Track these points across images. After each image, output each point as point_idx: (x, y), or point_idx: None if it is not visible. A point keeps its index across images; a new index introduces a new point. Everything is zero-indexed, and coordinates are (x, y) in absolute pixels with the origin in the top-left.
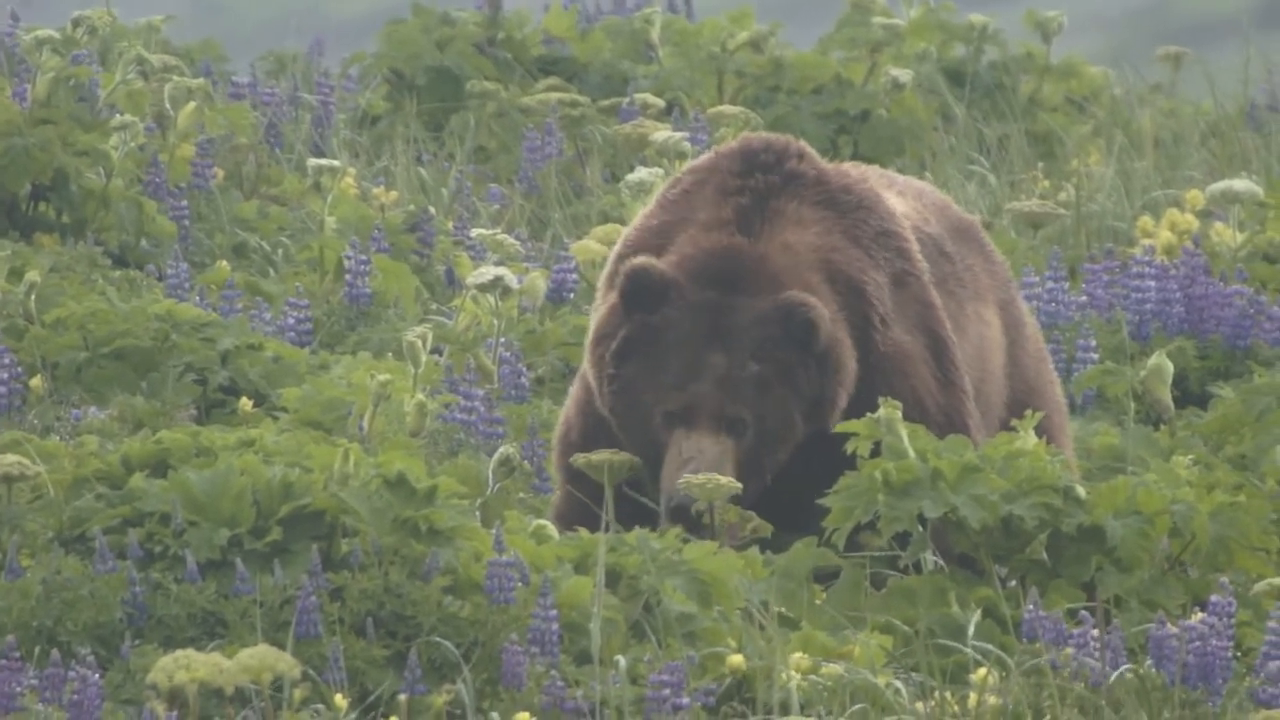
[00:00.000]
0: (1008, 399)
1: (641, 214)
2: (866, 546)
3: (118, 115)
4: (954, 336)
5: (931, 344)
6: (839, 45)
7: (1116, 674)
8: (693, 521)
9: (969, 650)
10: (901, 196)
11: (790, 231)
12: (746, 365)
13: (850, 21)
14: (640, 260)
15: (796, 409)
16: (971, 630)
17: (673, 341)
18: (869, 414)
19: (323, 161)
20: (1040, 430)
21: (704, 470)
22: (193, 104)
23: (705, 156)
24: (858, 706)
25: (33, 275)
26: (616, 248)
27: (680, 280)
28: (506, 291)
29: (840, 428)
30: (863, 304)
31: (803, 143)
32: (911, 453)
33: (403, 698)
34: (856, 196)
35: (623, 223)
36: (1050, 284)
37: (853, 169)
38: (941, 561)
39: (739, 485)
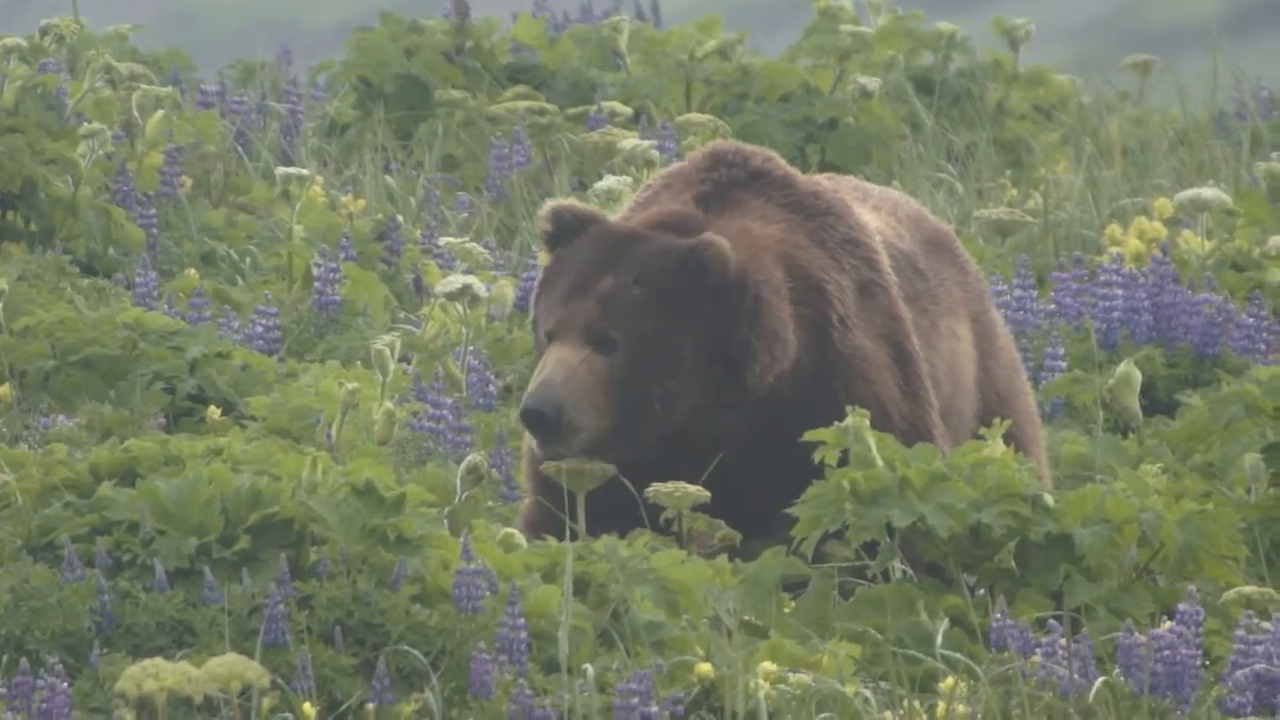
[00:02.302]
0: (979, 410)
1: (618, 213)
2: (832, 557)
3: (85, 123)
4: (921, 351)
5: (897, 355)
6: (807, 53)
7: (1096, 685)
8: (542, 433)
9: (937, 659)
10: (876, 211)
11: (751, 221)
12: (629, 288)
13: (818, 29)
14: (560, 201)
15: (686, 343)
16: (940, 639)
17: (571, 268)
18: (833, 419)
19: (291, 170)
20: (1011, 439)
21: (559, 376)
22: (161, 112)
23: (676, 164)
24: (826, 715)
25: (0, 284)
26: None
27: (602, 218)
28: (474, 300)
29: (807, 436)
30: (821, 301)
31: (770, 151)
32: (879, 461)
33: (371, 706)
34: (825, 203)
35: None
36: (1018, 292)
37: (826, 180)
38: (910, 570)
39: (707, 494)
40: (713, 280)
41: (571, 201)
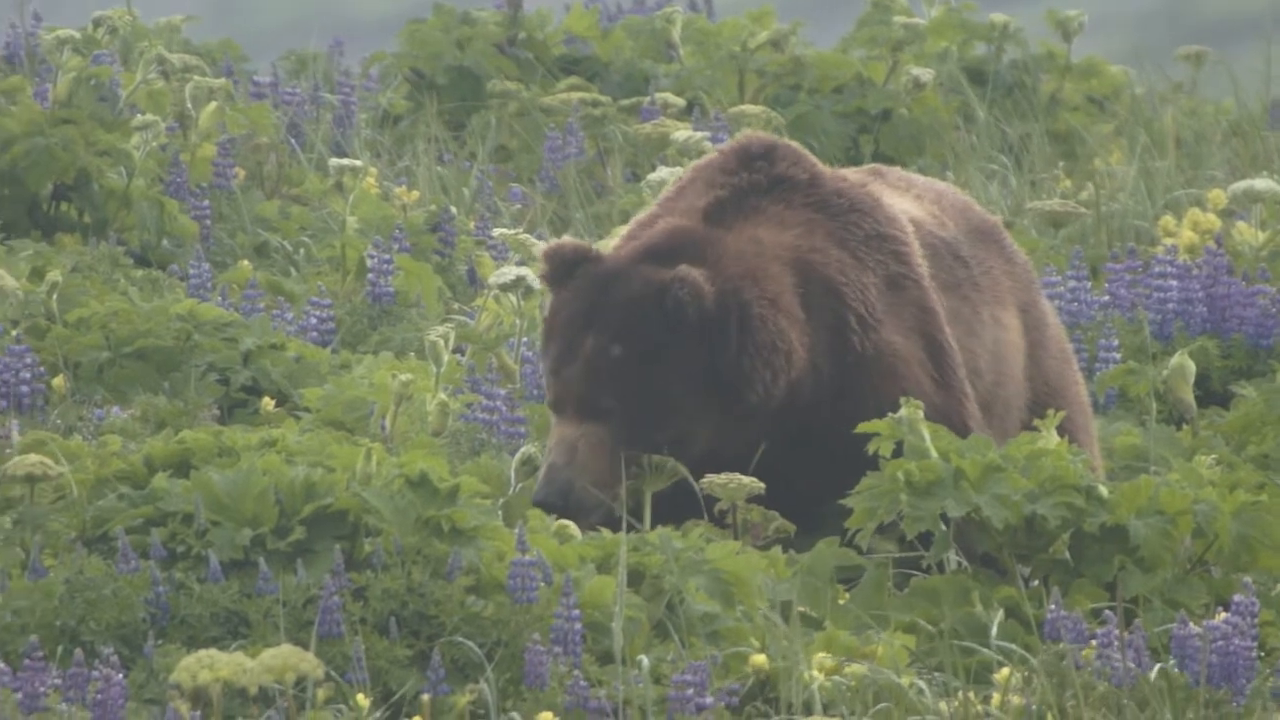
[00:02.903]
0: (1029, 400)
1: (645, 209)
2: (877, 549)
3: (139, 115)
4: (957, 341)
5: (929, 347)
6: (860, 44)
7: (1152, 673)
8: (560, 517)
9: (992, 650)
10: (919, 200)
11: (765, 228)
12: (609, 349)
13: (871, 20)
14: (555, 241)
15: (679, 386)
16: (995, 630)
17: (562, 322)
18: (856, 420)
19: (344, 161)
20: (1063, 430)
21: (560, 459)
22: (214, 104)
23: (709, 154)
24: (881, 706)
25: (55, 275)
26: (615, 243)
27: (593, 255)
28: (528, 291)
29: (862, 427)
30: (837, 304)
31: (801, 148)
32: (934, 453)
33: (425, 697)
34: (849, 200)
35: None
36: (1072, 283)
37: (857, 174)
38: (964, 561)
39: (761, 485)
40: (691, 316)
41: (564, 241)
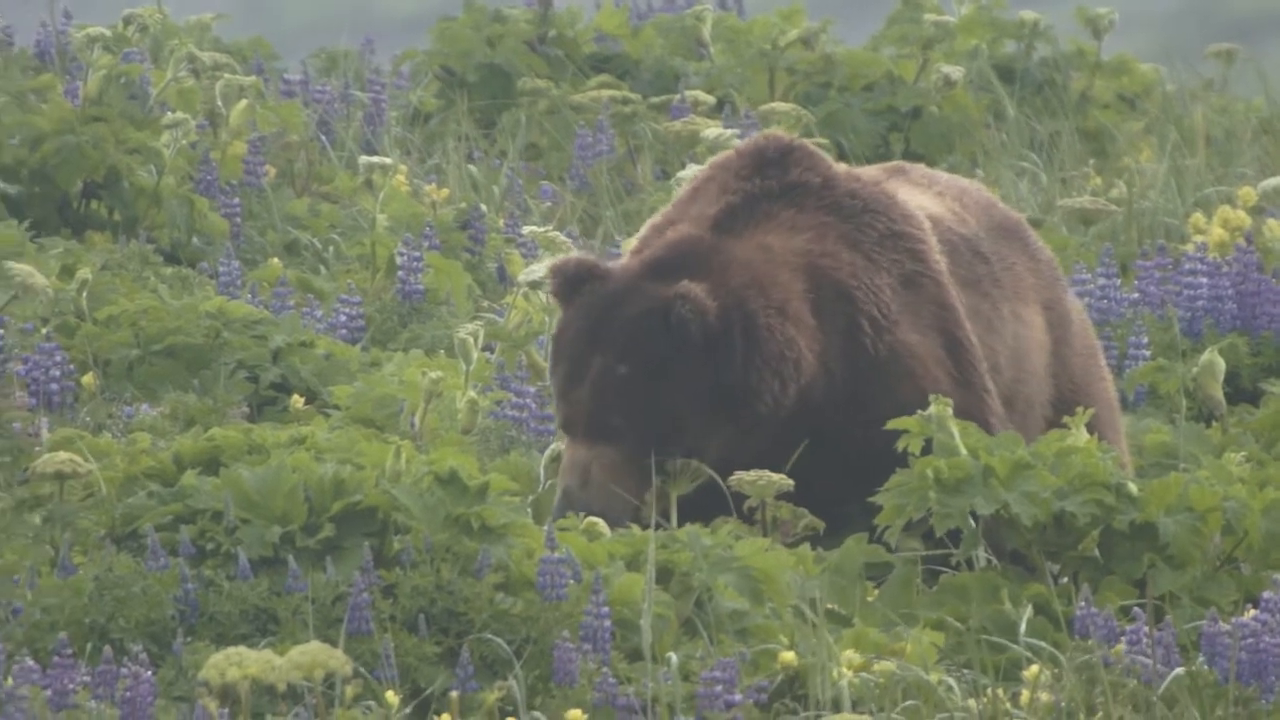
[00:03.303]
0: (1053, 397)
1: (660, 210)
2: (903, 547)
3: (169, 113)
4: (977, 337)
5: (948, 344)
6: (890, 42)
7: (1179, 674)
8: None
9: (1021, 647)
10: (940, 197)
11: (776, 235)
12: (615, 369)
13: (901, 18)
14: (561, 256)
15: (688, 401)
16: (1023, 627)
17: (569, 340)
18: (871, 422)
19: (374, 159)
20: (1090, 427)
21: (574, 483)
22: (244, 101)
23: (724, 153)
24: (909, 703)
25: (84, 273)
26: (633, 243)
27: (600, 270)
28: None
29: (892, 424)
30: (849, 307)
31: (817, 149)
32: (963, 450)
33: (454, 695)
34: (863, 201)
35: None
36: (1102, 281)
37: (871, 171)
38: (993, 558)
39: (790, 482)
40: (695, 333)
41: (570, 256)
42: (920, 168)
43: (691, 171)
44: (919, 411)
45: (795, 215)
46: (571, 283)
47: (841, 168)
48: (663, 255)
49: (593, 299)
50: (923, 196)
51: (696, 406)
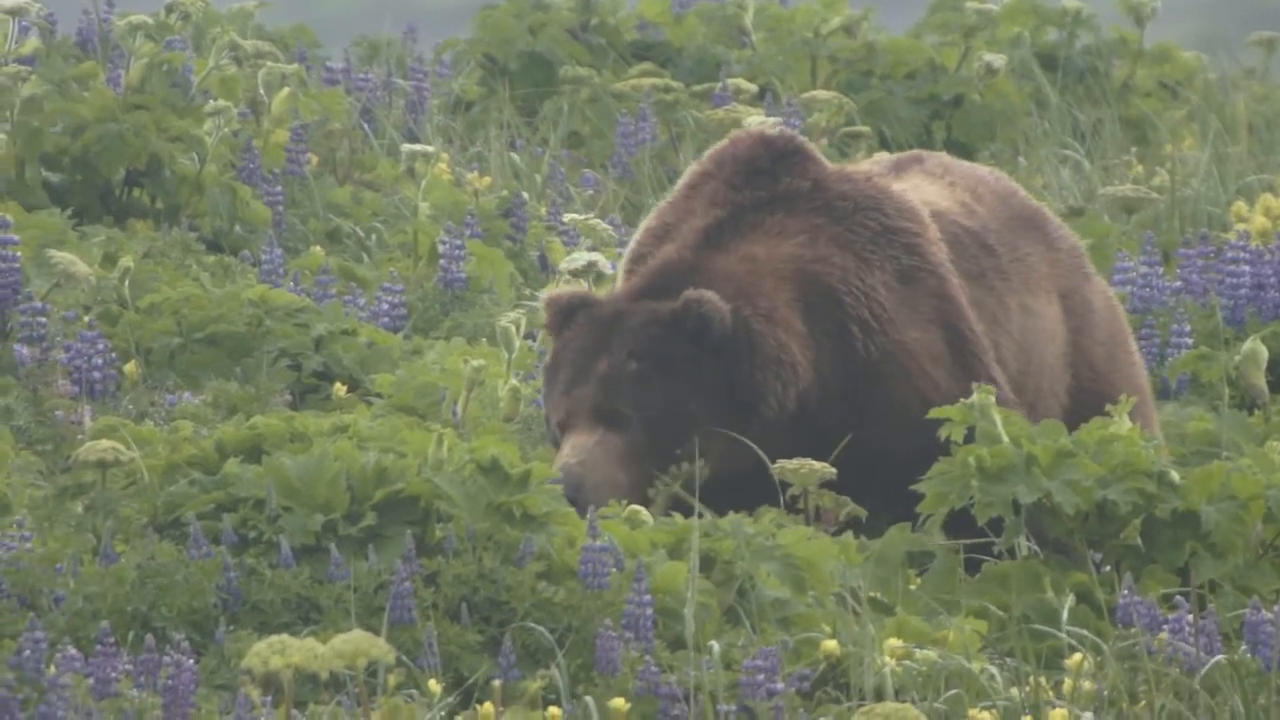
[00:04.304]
0: (1071, 386)
1: (657, 208)
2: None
3: (211, 101)
4: (976, 328)
5: (949, 337)
6: (932, 30)
7: (1221, 661)
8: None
9: (1063, 635)
10: (952, 188)
11: (762, 244)
12: (626, 364)
13: (943, 6)
14: (552, 291)
15: (696, 400)
16: (1066, 615)
17: (569, 357)
18: (868, 424)
19: (416, 147)
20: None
21: (574, 463)
22: (286, 89)
23: (719, 147)
24: (952, 692)
25: (127, 261)
26: (630, 245)
27: (591, 300)
28: (600, 276)
29: (933, 413)
30: (839, 311)
31: (809, 148)
32: (1005, 438)
33: (497, 683)
34: (854, 201)
35: None
36: (1144, 269)
37: (860, 167)
38: (1035, 547)
39: (833, 470)
40: (715, 335)
41: (563, 289)
42: (938, 156)
43: (692, 166)
44: (919, 410)
45: (785, 220)
46: (565, 313)
47: (834, 167)
48: (649, 283)
49: (589, 321)
50: (932, 188)
51: (705, 405)
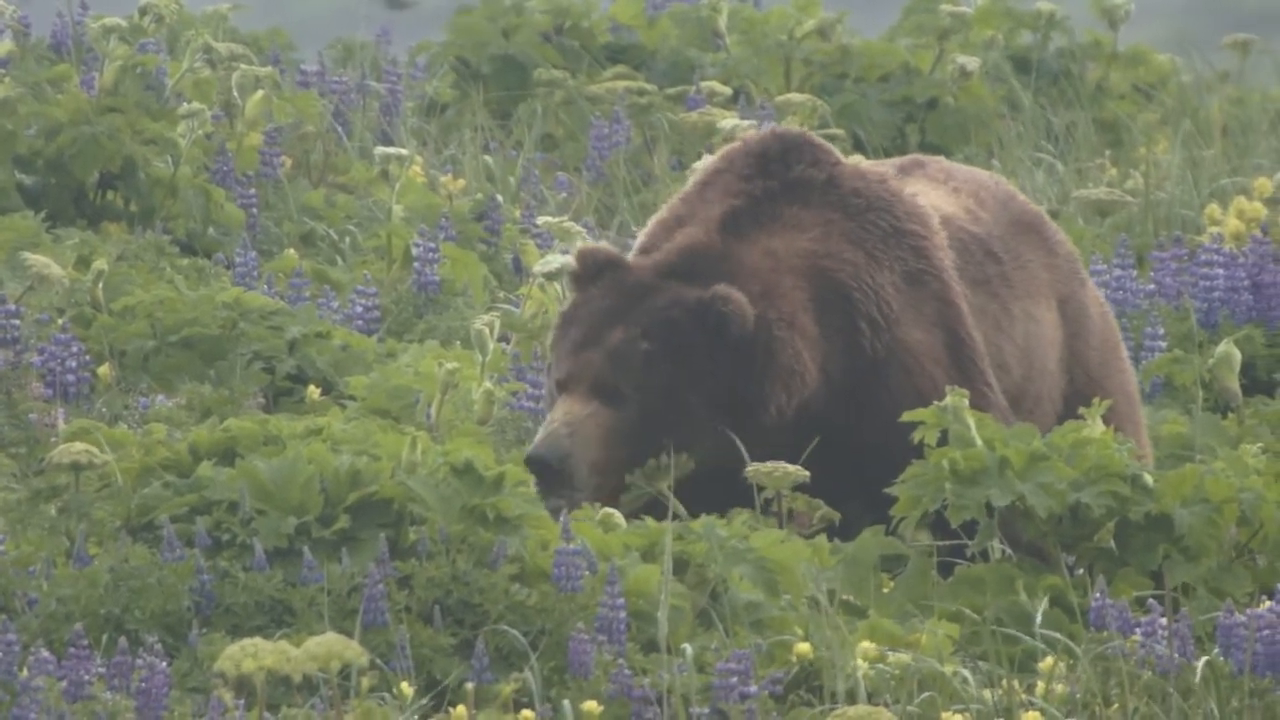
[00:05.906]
0: (1066, 391)
1: (666, 204)
2: (915, 539)
3: (185, 104)
4: (976, 334)
5: (950, 341)
6: (906, 33)
7: (1197, 662)
8: (546, 481)
9: (1036, 639)
10: (956, 193)
11: (780, 236)
12: (638, 342)
13: (918, 9)
14: (589, 244)
15: (697, 394)
16: (1039, 618)
17: (585, 316)
18: (870, 423)
19: (390, 150)
20: (1107, 420)
21: (564, 432)
22: (260, 92)
23: (732, 145)
24: (925, 695)
25: (100, 264)
26: (640, 237)
27: (624, 263)
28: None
29: (905, 417)
30: (849, 308)
31: (822, 143)
32: (979, 441)
33: (470, 686)
34: (867, 199)
35: None
36: (1118, 272)
37: (882, 165)
38: (1009, 550)
39: (806, 474)
40: (734, 335)
41: (600, 245)
42: (938, 161)
43: (704, 163)
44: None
45: (800, 212)
46: (594, 270)
47: (848, 163)
48: (673, 260)
49: (615, 285)
50: (936, 192)
51: (706, 400)
